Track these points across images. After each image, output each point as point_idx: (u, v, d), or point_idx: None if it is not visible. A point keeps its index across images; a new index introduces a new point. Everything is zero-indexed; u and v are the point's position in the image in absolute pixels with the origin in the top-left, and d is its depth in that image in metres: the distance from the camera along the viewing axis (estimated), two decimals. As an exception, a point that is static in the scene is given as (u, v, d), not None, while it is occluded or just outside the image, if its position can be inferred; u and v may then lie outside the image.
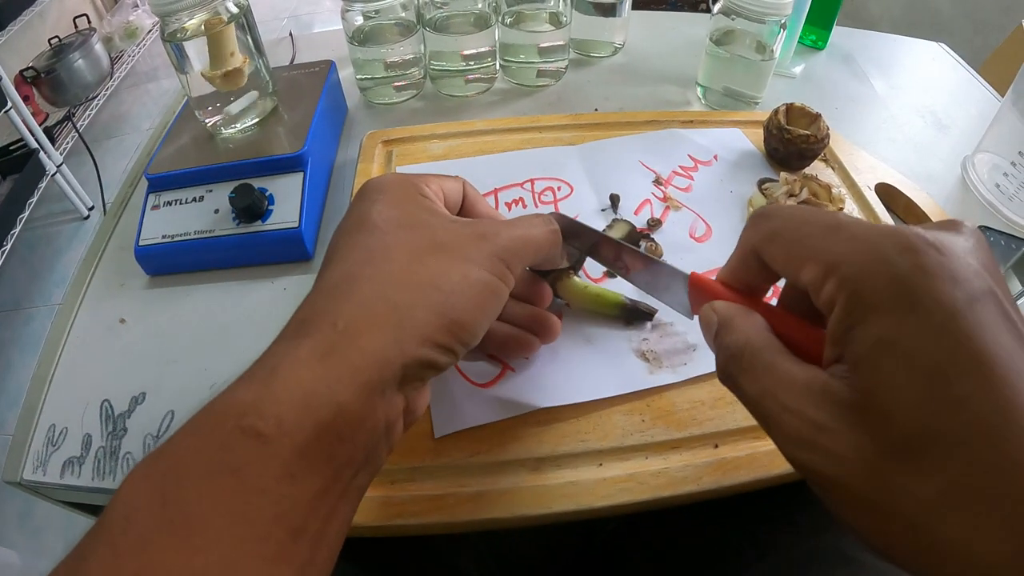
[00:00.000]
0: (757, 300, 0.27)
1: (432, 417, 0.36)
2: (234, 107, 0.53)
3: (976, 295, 0.19)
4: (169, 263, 0.50)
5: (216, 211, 0.49)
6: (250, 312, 0.48)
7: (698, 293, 0.30)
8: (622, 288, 0.42)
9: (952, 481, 0.18)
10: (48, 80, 1.89)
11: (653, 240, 0.46)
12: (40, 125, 1.75)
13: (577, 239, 0.41)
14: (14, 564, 1.03)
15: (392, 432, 0.25)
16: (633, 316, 0.40)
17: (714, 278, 0.29)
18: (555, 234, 0.32)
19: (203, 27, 0.48)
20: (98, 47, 2.04)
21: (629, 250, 0.34)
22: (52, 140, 1.81)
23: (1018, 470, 0.17)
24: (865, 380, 0.20)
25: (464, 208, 0.34)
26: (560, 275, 0.40)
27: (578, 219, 0.47)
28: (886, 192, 0.52)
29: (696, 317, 0.29)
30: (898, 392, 0.19)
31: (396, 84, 0.65)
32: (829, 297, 0.21)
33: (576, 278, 0.41)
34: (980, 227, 0.50)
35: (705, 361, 0.39)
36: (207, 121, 0.53)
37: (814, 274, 0.22)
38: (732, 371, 0.24)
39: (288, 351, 0.23)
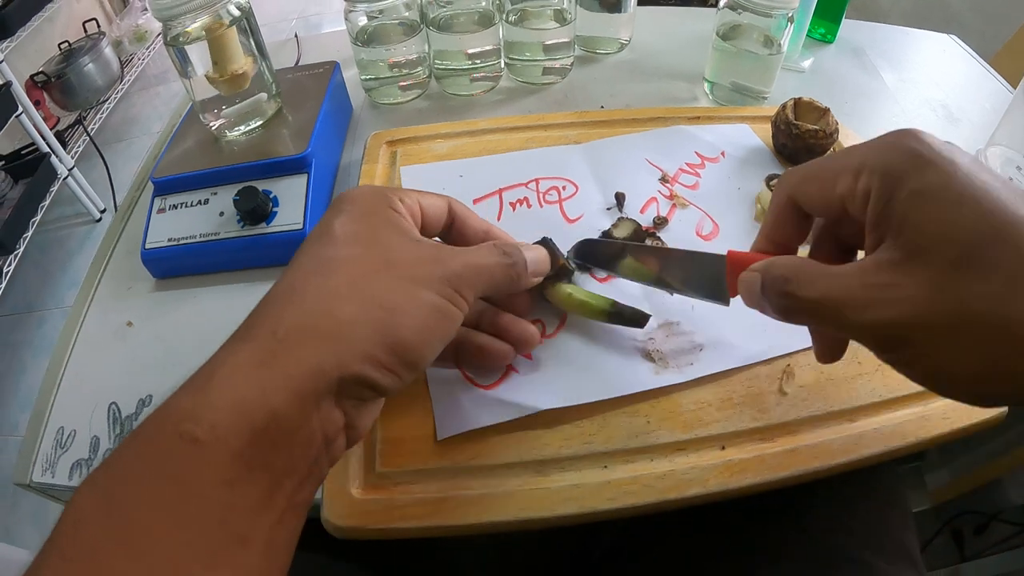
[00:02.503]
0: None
1: (435, 419, 0.36)
2: (238, 110, 0.53)
3: (971, 159, 0.24)
4: (175, 266, 0.50)
5: (221, 214, 0.50)
6: (255, 314, 0.48)
7: (736, 268, 0.31)
8: (617, 293, 0.41)
9: (1012, 270, 0.21)
10: (58, 84, 1.90)
11: (659, 239, 0.45)
12: (51, 129, 1.77)
13: (597, 256, 0.41)
14: (28, 563, 1.04)
15: (332, 447, 0.25)
16: (619, 321, 0.39)
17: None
18: (509, 267, 0.32)
19: (205, 31, 0.48)
20: (108, 51, 2.05)
21: (662, 250, 0.36)
22: (63, 144, 1.82)
23: None
24: (912, 228, 0.23)
25: (455, 227, 0.34)
26: (546, 283, 0.39)
27: (583, 219, 0.47)
28: (897, 187, 0.51)
29: (731, 302, 0.33)
30: (943, 222, 0.23)
31: (401, 84, 0.65)
32: (863, 189, 0.25)
33: (563, 285, 0.39)
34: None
35: (712, 361, 0.38)
36: (212, 124, 0.53)
37: (847, 182, 0.26)
38: (791, 289, 0.26)
39: (227, 357, 0.24)
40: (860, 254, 0.29)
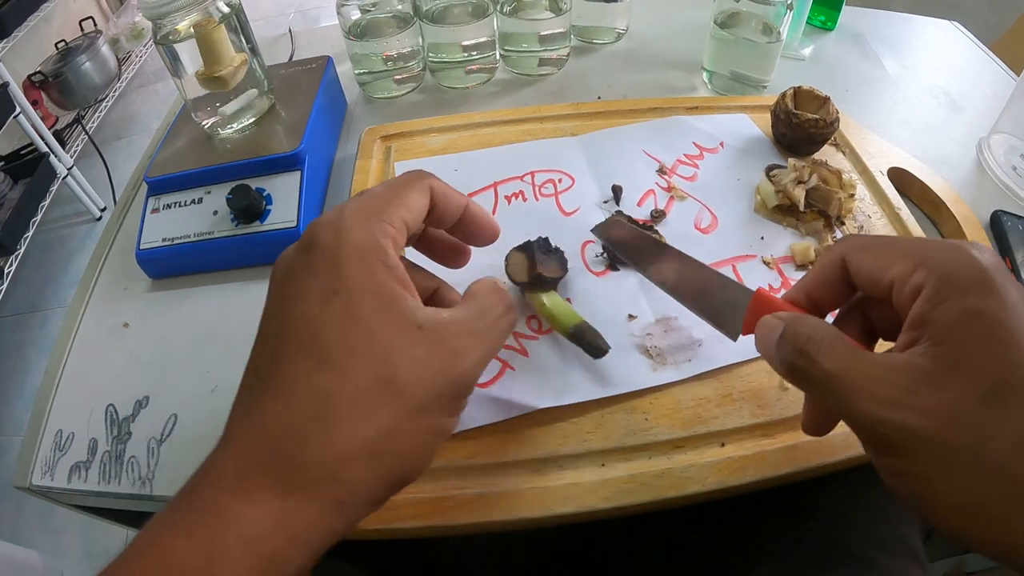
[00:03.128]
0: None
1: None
2: (230, 108, 0.52)
3: (1018, 284, 0.24)
4: (170, 266, 0.50)
5: (215, 213, 0.49)
6: (251, 313, 0.46)
7: (759, 309, 0.30)
8: (612, 286, 0.41)
9: None
10: (56, 84, 1.90)
11: (657, 232, 0.45)
12: (50, 129, 1.77)
13: (634, 255, 0.40)
14: (35, 564, 1.04)
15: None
16: (578, 343, 0.37)
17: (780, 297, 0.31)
18: (512, 324, 0.29)
19: (194, 29, 0.48)
20: (105, 49, 2.04)
21: (694, 264, 0.35)
22: (62, 143, 1.82)
23: None
24: (955, 345, 0.23)
25: (434, 211, 0.30)
26: (525, 288, 0.39)
27: (578, 212, 0.47)
28: (899, 177, 0.51)
29: (740, 338, 0.32)
30: (986, 350, 0.22)
31: (396, 78, 0.65)
32: (917, 283, 0.25)
33: (539, 294, 0.39)
34: (997, 211, 0.49)
35: (711, 357, 0.38)
36: (204, 123, 0.53)
37: (903, 268, 0.26)
38: (810, 350, 0.26)
39: (229, 514, 0.22)
40: (879, 346, 0.29)
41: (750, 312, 0.31)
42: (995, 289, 0.23)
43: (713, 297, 0.34)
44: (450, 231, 0.31)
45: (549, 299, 0.38)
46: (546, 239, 0.42)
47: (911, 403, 0.23)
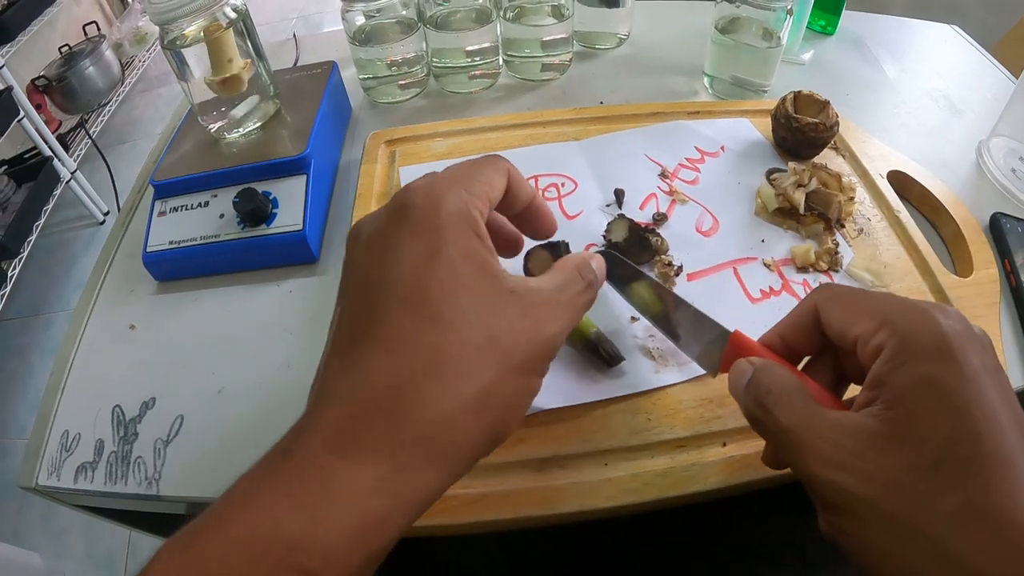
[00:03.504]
0: (790, 364, 0.30)
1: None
2: (236, 112, 0.53)
3: (990, 367, 0.24)
4: (176, 269, 0.51)
5: (221, 216, 0.50)
6: (256, 316, 0.48)
7: (736, 350, 0.32)
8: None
9: (969, 499, 0.21)
10: (60, 88, 1.91)
11: (659, 236, 0.45)
12: (53, 133, 1.78)
13: (613, 272, 0.40)
14: (37, 566, 1.04)
15: None
16: (592, 353, 0.38)
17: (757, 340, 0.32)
18: (592, 300, 0.30)
19: (202, 33, 0.48)
20: (108, 53, 2.06)
21: (674, 299, 0.35)
22: (66, 147, 1.83)
23: (1019, 498, 0.21)
24: (906, 411, 0.23)
25: (506, 197, 0.30)
26: None
27: (581, 216, 0.47)
28: (899, 180, 0.51)
29: (718, 376, 0.33)
30: (935, 420, 0.23)
31: (400, 83, 0.65)
32: (879, 344, 0.25)
33: None
34: (996, 214, 0.49)
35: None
36: (211, 126, 0.53)
37: (867, 326, 0.26)
38: (768, 403, 0.27)
39: (336, 475, 0.22)
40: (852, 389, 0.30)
41: (727, 352, 0.32)
42: (953, 357, 0.23)
43: (693, 332, 0.35)
44: (513, 220, 0.32)
45: None
46: (567, 243, 0.41)
47: (856, 466, 0.23)
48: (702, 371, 0.37)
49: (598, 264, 0.31)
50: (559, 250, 0.41)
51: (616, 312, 0.41)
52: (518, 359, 0.25)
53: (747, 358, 0.30)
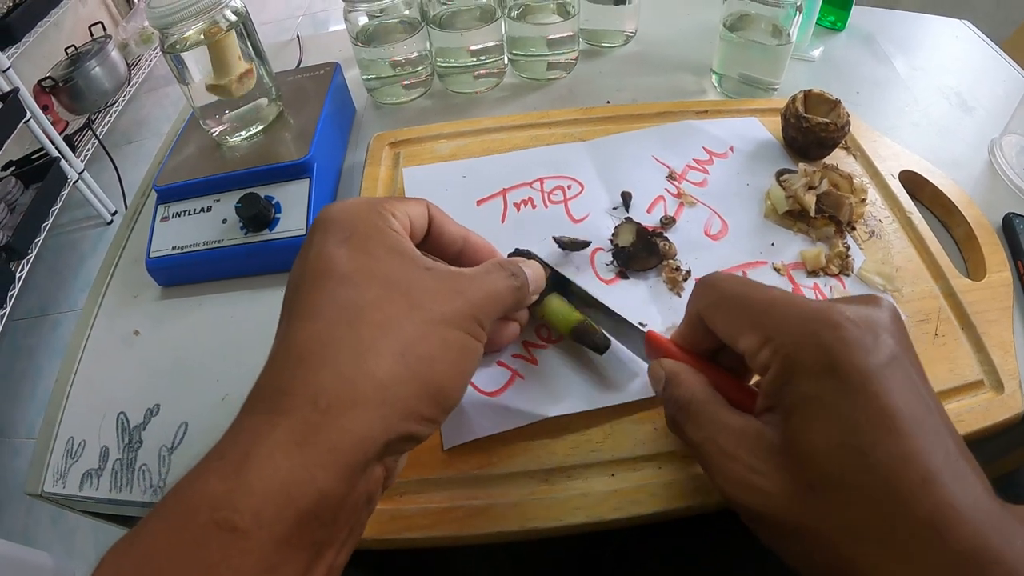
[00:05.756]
0: (702, 358, 0.31)
1: (441, 428, 0.35)
2: (238, 115, 0.53)
3: (885, 361, 0.23)
4: (180, 274, 0.50)
5: (224, 221, 0.49)
6: (260, 321, 0.47)
7: (653, 349, 0.33)
8: (621, 294, 0.40)
9: (856, 517, 0.22)
10: (66, 89, 1.92)
11: (667, 240, 0.44)
12: (60, 134, 1.78)
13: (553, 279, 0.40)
14: (47, 566, 1.05)
15: (372, 502, 0.24)
16: (580, 340, 0.37)
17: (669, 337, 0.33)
18: (518, 290, 0.31)
19: (202, 37, 0.48)
20: (114, 54, 2.06)
21: (593, 301, 0.37)
22: (73, 148, 1.84)
23: (911, 507, 0.21)
24: (791, 429, 0.24)
25: (431, 232, 0.32)
26: None
27: (588, 219, 0.47)
28: (911, 180, 0.50)
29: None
30: (816, 439, 0.23)
31: (404, 83, 0.65)
32: (764, 362, 0.25)
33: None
34: (1009, 214, 0.48)
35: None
36: (213, 130, 0.53)
37: (751, 342, 0.26)
38: (679, 419, 0.28)
39: (262, 432, 0.22)
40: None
41: (648, 349, 0.34)
42: (836, 371, 0.23)
43: (619, 332, 0.36)
44: (454, 262, 0.33)
45: (551, 301, 0.38)
46: (526, 250, 0.40)
47: (754, 483, 0.24)
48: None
49: (532, 270, 0.33)
50: (533, 257, 0.39)
51: (622, 318, 0.40)
52: (437, 313, 0.26)
53: (659, 360, 0.31)
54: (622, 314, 0.36)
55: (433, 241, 0.32)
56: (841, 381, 0.23)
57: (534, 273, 0.33)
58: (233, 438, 0.22)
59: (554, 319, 0.37)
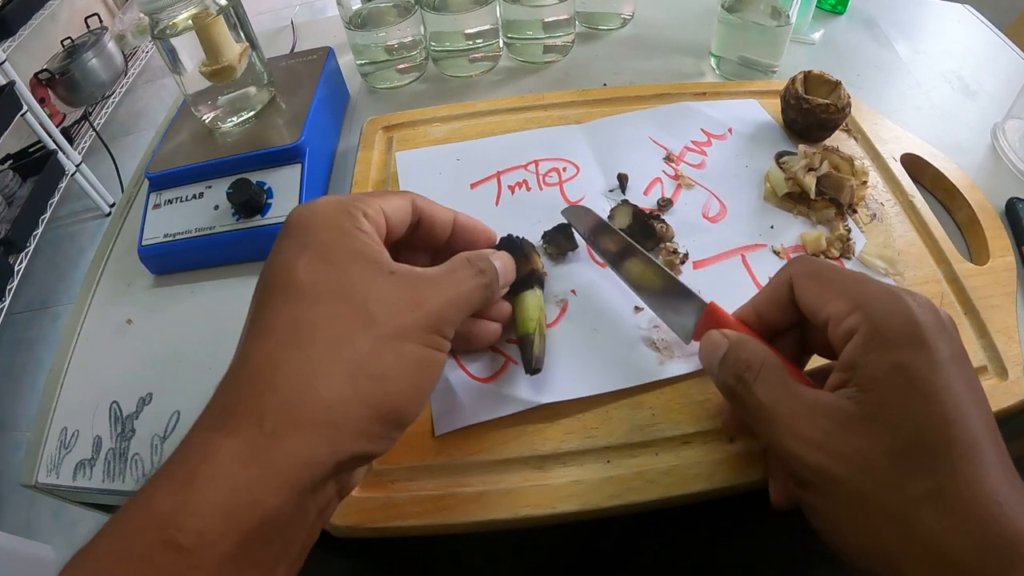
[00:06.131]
0: (762, 337, 0.30)
1: (432, 415, 0.35)
2: (229, 101, 0.52)
3: (957, 355, 0.25)
4: (172, 262, 0.50)
5: (216, 207, 0.49)
6: (253, 309, 0.47)
7: (711, 321, 0.32)
8: (612, 275, 0.40)
9: (937, 484, 0.22)
10: (63, 81, 1.90)
11: (664, 222, 0.44)
12: (58, 126, 1.77)
13: (594, 234, 0.40)
14: (49, 558, 1.05)
15: (324, 515, 0.24)
16: (520, 349, 0.35)
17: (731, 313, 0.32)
18: (485, 288, 0.30)
19: (192, 22, 0.47)
20: (111, 45, 2.04)
21: (654, 266, 0.35)
22: (70, 140, 1.83)
23: (983, 482, 0.22)
24: (879, 395, 0.24)
25: (422, 224, 0.32)
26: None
27: (583, 201, 0.46)
28: (913, 163, 0.49)
29: (692, 342, 0.34)
30: (906, 406, 0.23)
31: (399, 67, 0.64)
32: (850, 327, 0.26)
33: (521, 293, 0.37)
34: (1013, 199, 0.47)
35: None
36: (204, 117, 0.52)
37: (840, 307, 0.26)
38: (748, 378, 0.27)
39: (209, 451, 0.21)
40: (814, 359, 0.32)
41: (701, 323, 0.32)
42: (925, 345, 0.24)
43: (670, 302, 0.35)
44: (446, 247, 0.33)
45: (526, 299, 0.37)
46: (509, 236, 0.38)
47: (830, 447, 0.24)
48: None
49: (502, 262, 0.32)
50: (519, 247, 0.37)
51: (618, 302, 0.39)
52: (393, 327, 0.25)
53: (721, 330, 0.30)
54: (687, 285, 0.34)
55: (424, 232, 0.32)
56: (930, 355, 0.24)
57: (504, 265, 0.32)
58: (183, 454, 0.22)
59: (516, 318, 0.36)
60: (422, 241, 0.33)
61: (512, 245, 0.37)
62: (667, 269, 0.35)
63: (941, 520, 0.22)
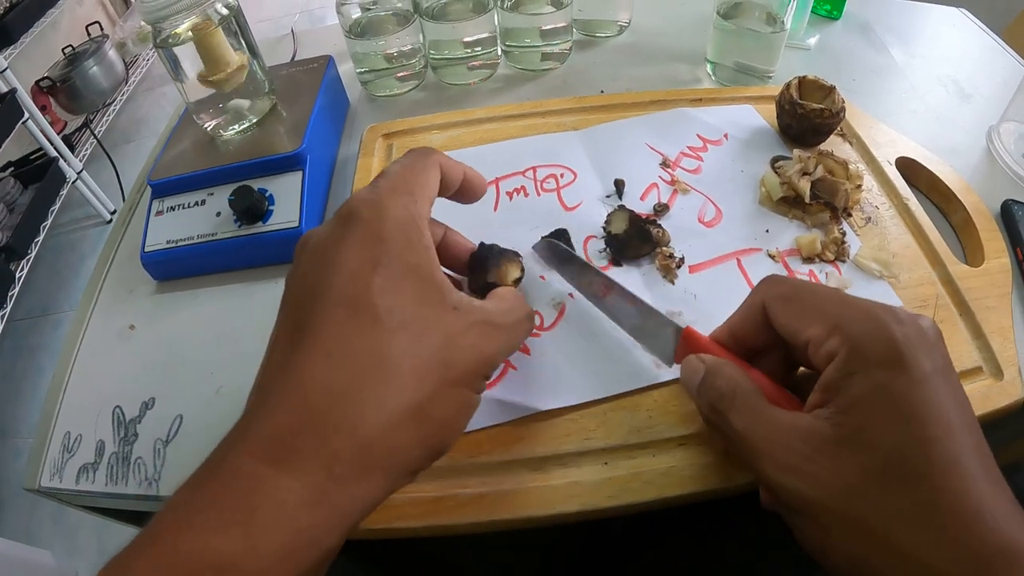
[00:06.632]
0: (740, 359, 0.30)
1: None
2: (231, 109, 0.52)
3: (942, 366, 0.25)
4: (174, 268, 0.50)
5: (218, 214, 0.49)
6: (254, 314, 0.47)
7: (688, 345, 0.32)
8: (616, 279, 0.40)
9: (917, 501, 0.22)
10: (64, 89, 1.92)
11: (660, 227, 0.44)
12: (59, 134, 1.78)
13: (565, 268, 0.40)
14: (48, 564, 1.05)
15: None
16: None
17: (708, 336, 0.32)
18: (530, 330, 0.31)
19: (193, 31, 0.48)
20: (111, 53, 2.06)
21: (620, 290, 0.36)
22: (71, 147, 1.84)
23: (966, 495, 0.22)
24: (858, 418, 0.24)
25: (441, 183, 0.30)
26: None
27: (581, 207, 0.46)
28: (908, 167, 0.50)
29: (674, 365, 0.33)
30: (886, 427, 0.23)
31: (398, 75, 0.64)
32: (830, 350, 0.26)
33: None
34: (1008, 201, 0.48)
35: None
36: (206, 125, 0.53)
37: (819, 330, 0.26)
38: (722, 408, 0.27)
39: (267, 490, 0.21)
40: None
41: (680, 347, 0.33)
42: (904, 363, 0.24)
43: (648, 328, 0.35)
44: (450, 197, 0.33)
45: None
46: (498, 247, 0.36)
47: (806, 471, 0.24)
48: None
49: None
50: (484, 261, 0.35)
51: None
52: (457, 373, 0.25)
53: (698, 355, 0.30)
54: (660, 310, 0.34)
55: (442, 188, 0.31)
56: (908, 375, 0.24)
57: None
58: (231, 486, 0.21)
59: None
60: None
61: (480, 257, 0.35)
62: (639, 296, 0.35)
63: (923, 535, 0.22)
